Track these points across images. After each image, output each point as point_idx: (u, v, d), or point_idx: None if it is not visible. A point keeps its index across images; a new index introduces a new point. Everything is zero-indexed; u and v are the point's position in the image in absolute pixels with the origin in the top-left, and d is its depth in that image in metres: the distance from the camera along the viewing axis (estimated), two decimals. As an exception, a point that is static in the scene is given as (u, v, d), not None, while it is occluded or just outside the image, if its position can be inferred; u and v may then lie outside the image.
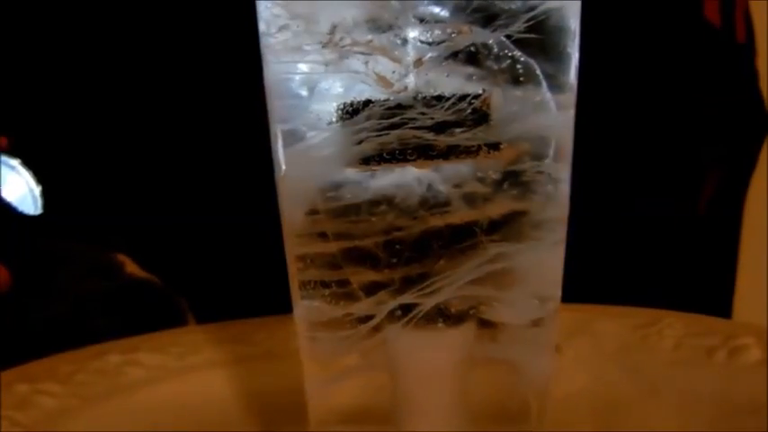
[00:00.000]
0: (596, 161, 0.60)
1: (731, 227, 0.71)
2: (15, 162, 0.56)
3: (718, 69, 0.69)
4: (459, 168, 0.33)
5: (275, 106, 0.35)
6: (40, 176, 0.56)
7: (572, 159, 0.36)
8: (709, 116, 0.67)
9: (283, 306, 0.37)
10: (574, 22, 0.35)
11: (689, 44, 0.68)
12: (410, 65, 0.32)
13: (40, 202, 0.56)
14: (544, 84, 0.34)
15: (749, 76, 0.71)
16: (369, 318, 0.34)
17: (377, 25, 0.32)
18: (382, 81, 0.32)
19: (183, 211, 0.65)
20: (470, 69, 0.33)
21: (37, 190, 0.56)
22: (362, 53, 0.32)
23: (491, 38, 0.33)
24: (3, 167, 0.55)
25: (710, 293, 0.70)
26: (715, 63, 0.68)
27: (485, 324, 0.35)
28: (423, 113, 0.32)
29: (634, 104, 0.65)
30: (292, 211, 0.35)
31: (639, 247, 0.66)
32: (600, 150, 0.61)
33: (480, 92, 0.33)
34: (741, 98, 0.69)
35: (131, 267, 0.58)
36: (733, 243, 0.71)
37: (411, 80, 0.32)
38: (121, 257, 0.59)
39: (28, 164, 0.56)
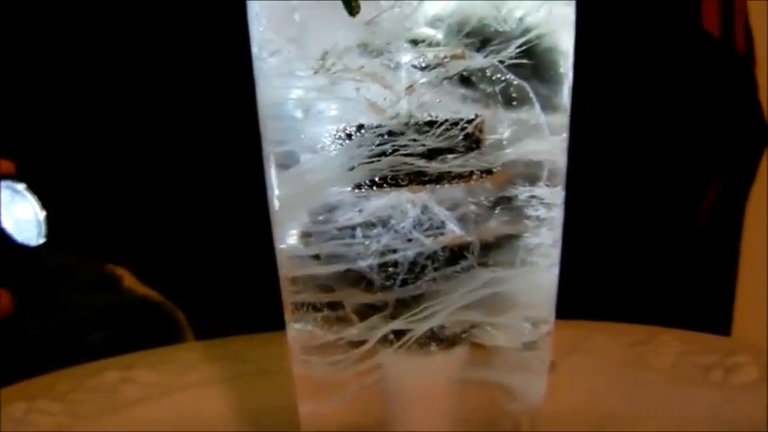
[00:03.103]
0: (595, 174, 0.60)
1: (731, 239, 0.71)
2: (21, 186, 0.56)
3: (718, 80, 0.68)
4: (454, 191, 0.33)
5: (269, 129, 0.35)
6: (43, 197, 0.56)
7: (572, 172, 0.35)
8: (709, 127, 0.67)
9: (281, 321, 0.37)
10: (567, 44, 0.35)
11: (688, 55, 0.67)
12: (402, 91, 0.32)
13: (44, 228, 0.56)
14: (537, 106, 0.34)
15: (748, 86, 0.70)
16: (361, 342, 0.34)
17: (369, 50, 0.32)
18: (374, 108, 0.32)
19: (182, 226, 0.65)
20: (464, 93, 0.33)
21: (41, 215, 0.56)
22: (354, 79, 0.32)
23: (484, 62, 0.33)
24: (8, 192, 0.55)
25: (710, 306, 0.70)
26: (714, 74, 0.68)
27: (477, 347, 0.35)
28: (414, 140, 0.32)
29: (633, 116, 0.65)
30: (285, 233, 0.35)
31: (639, 261, 0.66)
32: (599, 163, 0.61)
33: (473, 116, 0.33)
34: (740, 109, 0.69)
35: (130, 281, 0.58)
36: (733, 255, 0.71)
37: (403, 106, 0.32)
38: (120, 271, 0.59)
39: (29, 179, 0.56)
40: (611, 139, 0.64)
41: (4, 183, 0.55)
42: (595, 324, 0.49)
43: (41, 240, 0.56)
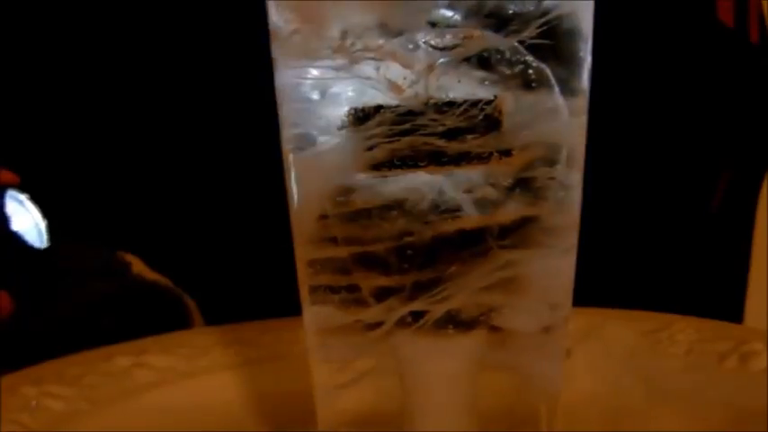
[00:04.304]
0: (609, 163, 0.59)
1: (743, 229, 0.71)
2: (24, 197, 0.57)
3: (732, 70, 0.68)
4: (471, 173, 0.33)
5: (286, 110, 0.35)
6: (45, 202, 0.57)
7: (585, 161, 0.35)
8: (722, 117, 0.67)
9: (293, 307, 0.37)
10: (586, 27, 0.35)
11: (702, 45, 0.67)
12: (421, 70, 0.32)
13: (45, 236, 0.57)
14: (556, 88, 0.34)
15: (763, 76, 0.70)
16: (378, 324, 0.34)
17: (388, 30, 0.32)
18: (393, 87, 0.32)
19: (192, 211, 0.65)
20: (482, 74, 0.33)
21: (43, 224, 0.57)
22: (373, 59, 0.32)
23: (503, 43, 0.32)
24: (11, 201, 0.56)
25: (722, 295, 0.69)
26: (728, 64, 0.68)
27: (495, 330, 0.34)
28: (434, 120, 0.32)
29: (646, 106, 0.65)
30: (302, 216, 0.35)
31: (651, 250, 0.66)
32: (612, 152, 0.61)
33: (492, 98, 0.32)
34: (754, 99, 0.69)
35: (139, 267, 0.58)
36: (745, 245, 0.71)
37: (422, 86, 0.32)
38: (129, 258, 0.59)
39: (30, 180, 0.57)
40: (623, 129, 0.64)
41: (9, 192, 0.57)
42: (610, 311, 0.49)
43: (44, 245, 0.58)
